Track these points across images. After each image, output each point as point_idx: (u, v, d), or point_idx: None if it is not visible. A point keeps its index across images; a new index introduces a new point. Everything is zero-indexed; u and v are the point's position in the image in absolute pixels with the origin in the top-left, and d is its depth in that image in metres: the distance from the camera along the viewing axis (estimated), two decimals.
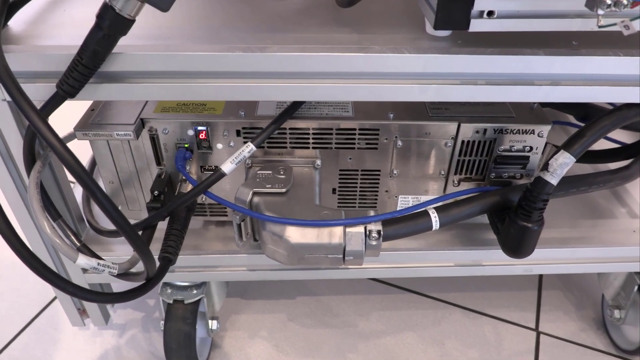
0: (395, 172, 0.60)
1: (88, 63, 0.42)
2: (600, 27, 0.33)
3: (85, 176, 0.41)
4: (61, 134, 0.46)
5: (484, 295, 0.85)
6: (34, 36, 0.47)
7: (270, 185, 0.55)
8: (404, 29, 0.49)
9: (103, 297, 0.51)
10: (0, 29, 0.44)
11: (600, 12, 0.33)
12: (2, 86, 0.45)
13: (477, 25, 0.44)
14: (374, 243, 0.52)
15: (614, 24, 0.34)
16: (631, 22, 0.33)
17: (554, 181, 0.50)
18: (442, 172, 0.60)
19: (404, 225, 0.54)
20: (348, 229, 0.51)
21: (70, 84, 0.43)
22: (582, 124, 0.72)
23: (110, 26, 0.41)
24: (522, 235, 0.53)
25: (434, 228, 0.54)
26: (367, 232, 0.51)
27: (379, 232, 0.52)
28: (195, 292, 0.66)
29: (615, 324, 0.76)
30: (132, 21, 0.41)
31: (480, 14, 0.43)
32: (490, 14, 0.43)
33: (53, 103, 0.45)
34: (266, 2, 0.55)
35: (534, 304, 0.84)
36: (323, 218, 0.52)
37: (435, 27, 0.44)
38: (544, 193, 0.51)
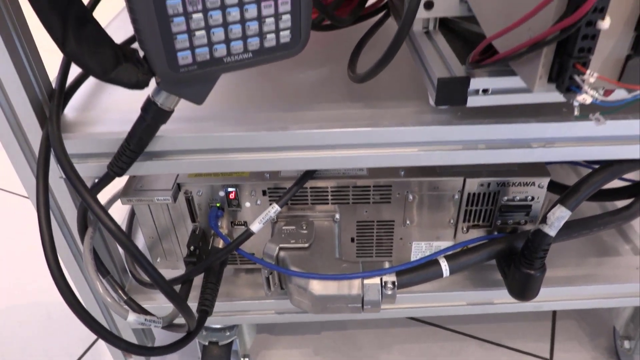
0: (408, 222, 0.65)
1: (135, 148, 0.49)
2: (576, 116, 0.38)
3: (131, 246, 0.48)
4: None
5: (499, 327, 0.89)
6: (86, 122, 0.54)
7: (294, 241, 0.60)
8: (409, 102, 0.55)
9: (152, 351, 0.57)
10: (59, 117, 0.52)
11: (575, 103, 0.38)
12: (61, 168, 0.52)
13: (474, 101, 0.49)
14: (389, 293, 0.57)
15: (588, 116, 0.39)
16: (601, 116, 0.38)
17: (552, 233, 0.55)
18: (452, 221, 0.65)
19: (417, 274, 0.59)
20: (365, 281, 0.57)
21: (119, 166, 0.50)
22: (594, 165, 0.77)
23: (153, 118, 0.47)
24: (525, 281, 0.58)
25: (444, 275, 0.59)
26: (383, 283, 0.57)
27: (393, 282, 0.57)
28: (228, 334, 0.73)
29: (627, 354, 0.80)
30: (171, 112, 0.48)
31: (476, 92, 0.48)
32: (485, 91, 0.49)
33: (104, 182, 0.52)
34: (285, 76, 0.61)
35: (548, 334, 0.88)
36: (343, 272, 0.57)
37: (437, 104, 0.50)
38: (543, 244, 0.56)
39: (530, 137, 0.52)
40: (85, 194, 0.48)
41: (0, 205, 1.23)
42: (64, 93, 0.53)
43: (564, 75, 0.36)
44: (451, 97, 0.49)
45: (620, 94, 0.38)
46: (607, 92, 0.39)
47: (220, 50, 0.43)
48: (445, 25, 0.58)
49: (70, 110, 0.56)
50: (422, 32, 0.57)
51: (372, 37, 0.65)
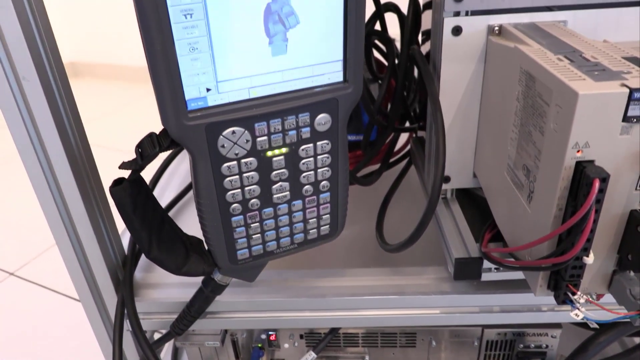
0: None
1: (194, 314, 0.58)
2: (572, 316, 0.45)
3: None
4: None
5: None
6: (152, 284, 0.62)
7: None
8: (430, 268, 0.62)
9: None
10: (132, 284, 0.61)
11: (571, 307, 0.45)
12: (130, 326, 0.60)
13: (487, 277, 0.56)
14: None
15: (583, 319, 0.46)
16: (593, 322, 0.44)
17: None
18: None
19: None
20: None
21: (180, 327, 0.58)
22: None
23: (211, 291, 0.56)
24: None
25: None
26: None
27: None
28: None
29: None
30: (226, 286, 0.56)
31: (489, 269, 0.56)
32: (497, 268, 0.56)
33: (165, 339, 0.60)
34: None
35: None
36: None
37: (455, 279, 0.57)
38: None
39: (540, 303, 0.59)
40: (148, 352, 0.57)
41: (50, 306, 1.33)
42: (134, 260, 0.63)
43: (558, 291, 0.44)
44: (467, 273, 0.56)
45: (608, 305, 0.45)
46: (600, 296, 0.46)
47: (272, 246, 0.52)
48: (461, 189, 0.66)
49: (138, 271, 0.65)
50: (440, 200, 0.66)
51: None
